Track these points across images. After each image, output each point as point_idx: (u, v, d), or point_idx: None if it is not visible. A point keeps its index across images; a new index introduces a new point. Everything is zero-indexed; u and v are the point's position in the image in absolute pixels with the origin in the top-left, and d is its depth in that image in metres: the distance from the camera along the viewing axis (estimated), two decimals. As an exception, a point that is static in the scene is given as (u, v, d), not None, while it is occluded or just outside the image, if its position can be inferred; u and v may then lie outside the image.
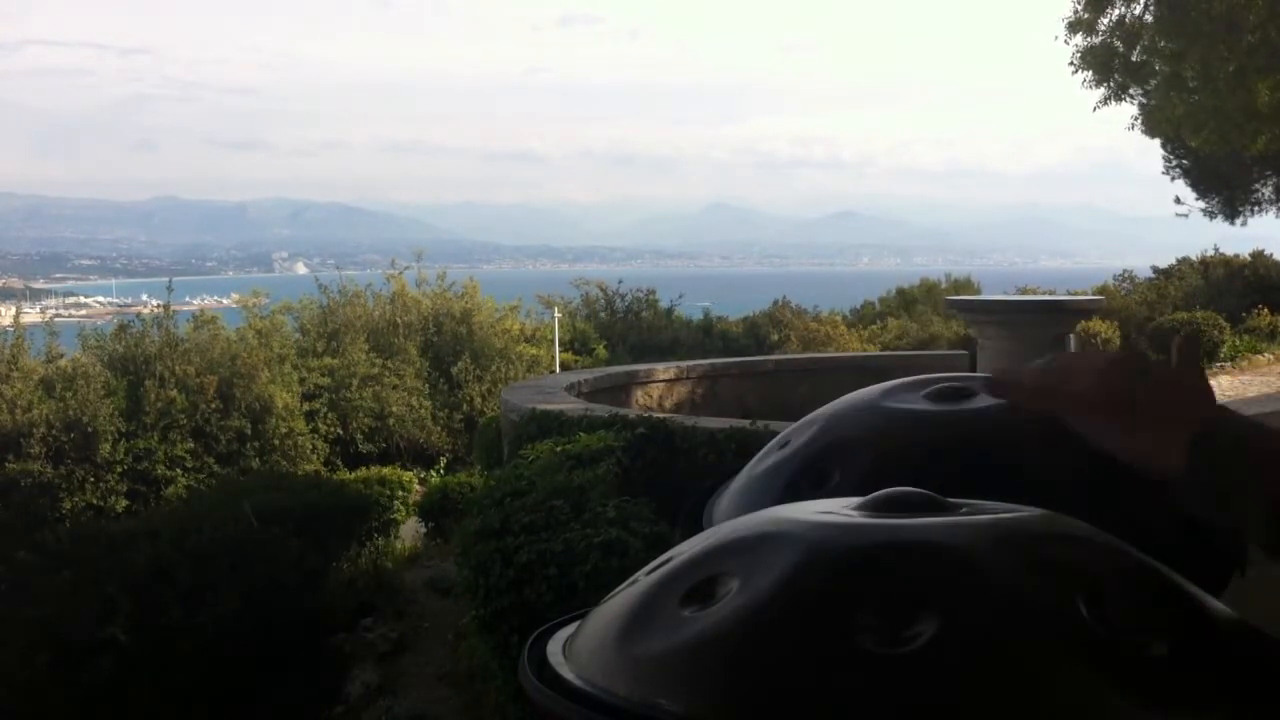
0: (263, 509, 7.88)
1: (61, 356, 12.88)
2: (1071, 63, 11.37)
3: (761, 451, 1.32)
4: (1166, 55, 10.65)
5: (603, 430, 6.44)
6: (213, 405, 12.26)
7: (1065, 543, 0.81)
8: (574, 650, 0.82)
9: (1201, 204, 19.52)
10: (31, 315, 18.06)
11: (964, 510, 0.84)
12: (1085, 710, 0.69)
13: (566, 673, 0.78)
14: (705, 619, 0.76)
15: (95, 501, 11.27)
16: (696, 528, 1.10)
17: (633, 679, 0.75)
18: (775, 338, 18.96)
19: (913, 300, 23.02)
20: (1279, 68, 9.97)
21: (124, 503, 11.37)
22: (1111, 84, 11.36)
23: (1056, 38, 11.31)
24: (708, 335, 19.58)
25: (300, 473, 11.97)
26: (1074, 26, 11.21)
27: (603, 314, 20.48)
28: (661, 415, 7.45)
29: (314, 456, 13.10)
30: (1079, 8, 11.15)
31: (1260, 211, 19.38)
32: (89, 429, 11.40)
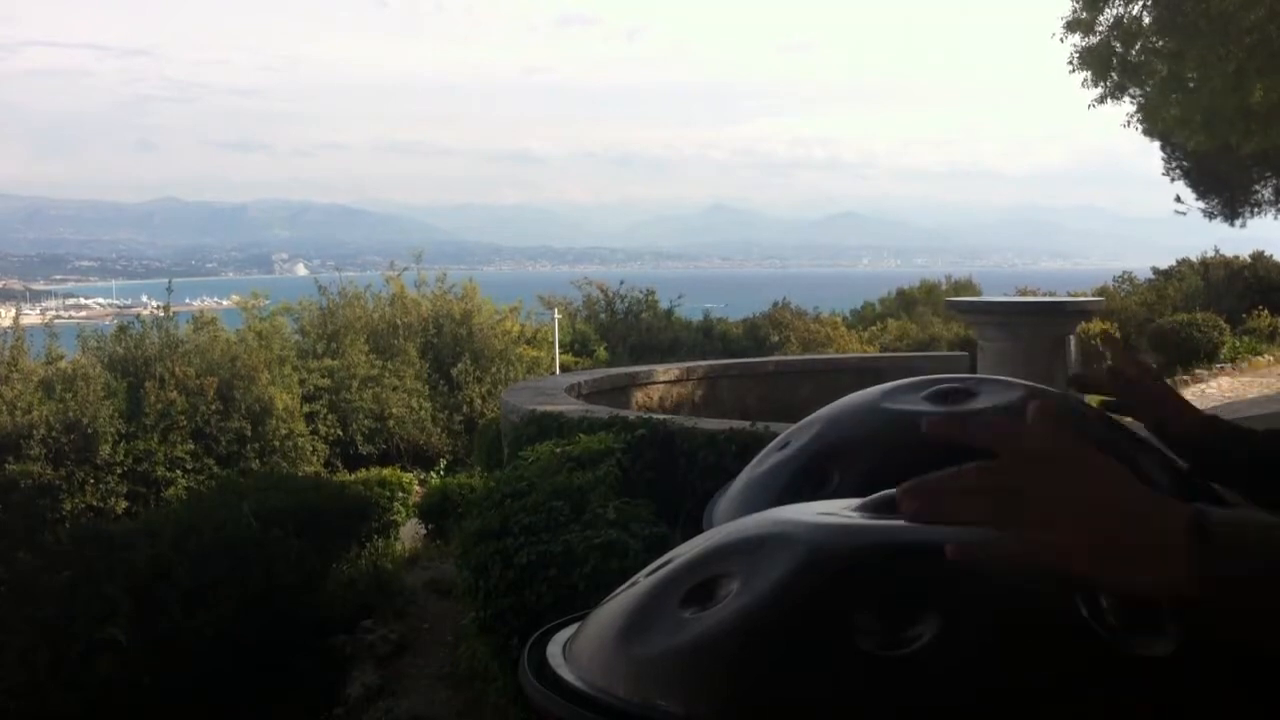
0: (262, 510, 7.88)
1: (61, 358, 12.86)
2: (1070, 62, 11.37)
3: (762, 453, 1.32)
4: (1164, 55, 10.65)
5: (603, 432, 6.44)
6: (213, 406, 12.25)
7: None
8: (574, 652, 0.82)
9: (1201, 205, 19.53)
10: (31, 317, 18.06)
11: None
12: (1085, 711, 0.69)
13: (566, 674, 0.79)
14: (705, 620, 0.76)
15: (95, 503, 11.26)
16: (696, 529, 1.10)
17: (632, 680, 0.75)
18: (775, 339, 18.96)
19: (913, 301, 23.03)
20: (1277, 68, 9.97)
21: (124, 504, 11.36)
22: (1108, 83, 11.36)
23: (1054, 36, 11.32)
24: (707, 336, 19.59)
25: (300, 474, 11.97)
26: (1072, 26, 11.21)
27: (603, 315, 20.47)
28: (662, 417, 7.45)
29: (314, 458, 13.10)
30: (1077, 7, 11.15)
31: (1260, 213, 19.39)
32: (89, 430, 11.40)
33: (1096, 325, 15.40)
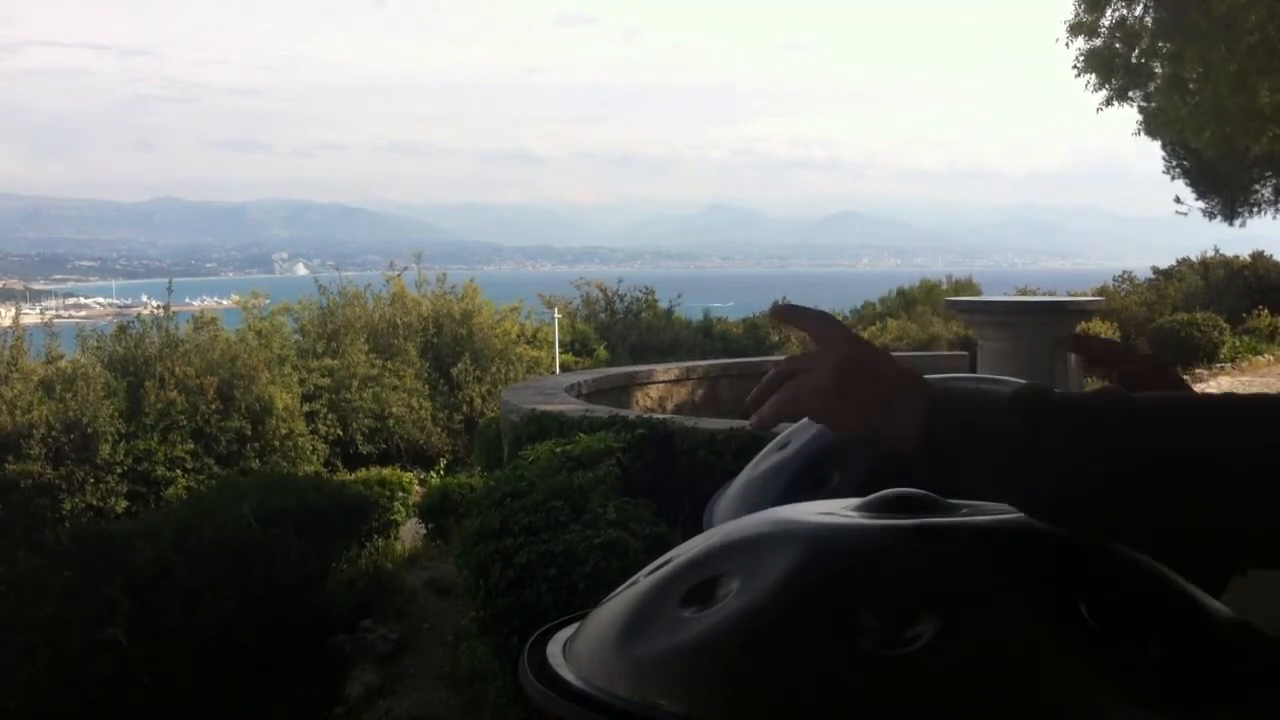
0: (263, 510, 7.88)
1: (61, 358, 12.85)
2: (1074, 65, 11.36)
3: (762, 452, 1.32)
4: (1166, 56, 10.64)
5: (603, 431, 6.44)
6: (213, 406, 12.25)
7: (1064, 543, 0.81)
8: (574, 651, 0.82)
9: (1201, 204, 19.53)
10: (31, 316, 18.03)
11: (963, 511, 0.84)
12: (1085, 711, 0.69)
13: (566, 674, 0.79)
14: (705, 620, 0.76)
15: (95, 502, 11.25)
16: (696, 529, 1.10)
17: (633, 680, 0.75)
18: (775, 338, 18.95)
19: (913, 301, 23.01)
20: (1278, 69, 9.97)
21: (124, 504, 11.35)
22: (1112, 85, 11.36)
23: (1058, 40, 11.31)
24: (708, 336, 19.57)
25: (300, 474, 11.96)
26: (1075, 29, 11.21)
27: (603, 315, 20.46)
28: (662, 416, 7.45)
29: (314, 457, 13.09)
30: (1080, 10, 11.15)
31: (1259, 212, 19.40)
32: (89, 430, 11.39)
33: (1097, 325, 15.41)
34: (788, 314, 0.95)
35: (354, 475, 10.28)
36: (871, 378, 0.86)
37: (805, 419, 1.32)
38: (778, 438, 1.32)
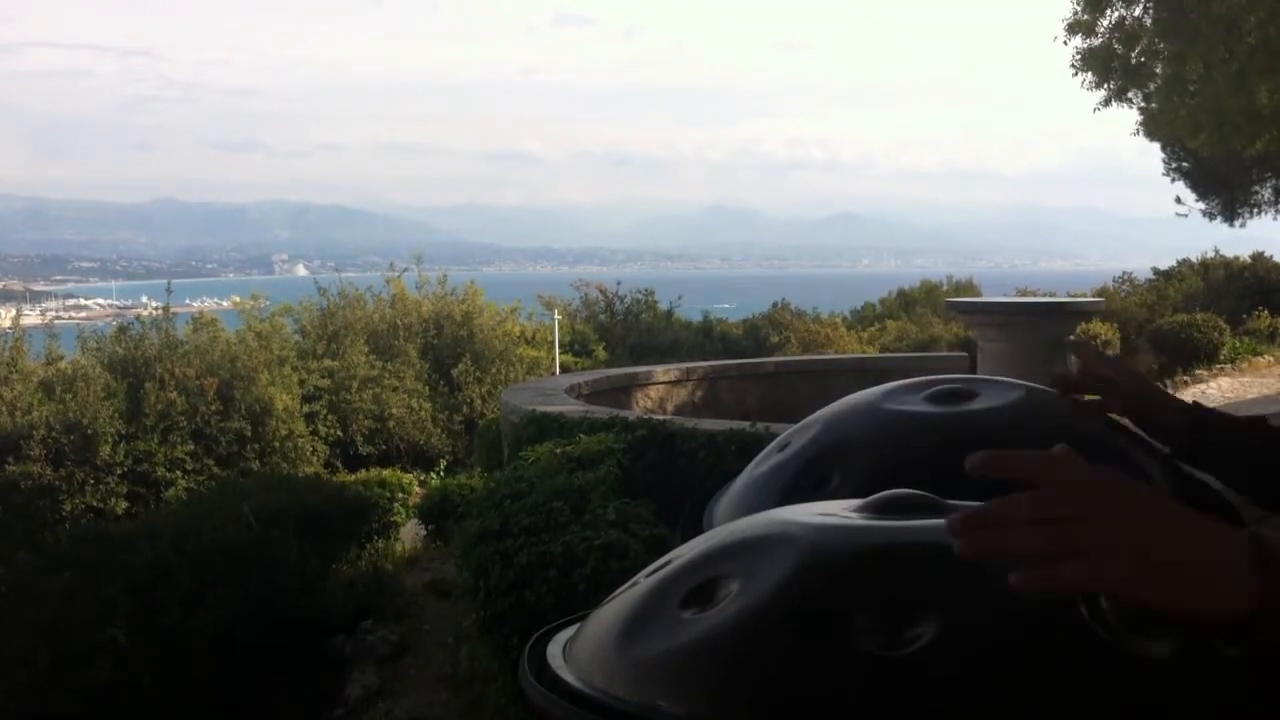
0: (262, 511, 7.87)
1: (61, 358, 12.86)
2: (1072, 65, 11.36)
3: (762, 454, 1.32)
4: (1166, 57, 10.64)
5: (603, 432, 6.44)
6: (213, 407, 12.25)
7: (1065, 545, 0.81)
8: (574, 652, 0.82)
9: (1201, 205, 19.53)
10: (31, 317, 18.05)
11: (963, 512, 0.84)
12: (1085, 712, 0.69)
13: (566, 675, 0.79)
14: (705, 621, 0.76)
15: (95, 503, 11.26)
16: (696, 530, 1.10)
17: (632, 681, 0.75)
18: (775, 339, 18.95)
19: (913, 302, 23.02)
20: (1279, 69, 9.97)
21: (124, 505, 11.35)
22: (1111, 86, 11.36)
23: (1055, 38, 11.31)
24: (708, 337, 19.57)
25: (300, 475, 11.96)
26: (1073, 28, 11.20)
27: (602, 316, 20.47)
28: (662, 417, 7.45)
29: (314, 458, 13.09)
30: (1078, 9, 11.14)
31: (1259, 213, 19.40)
32: (89, 431, 11.39)
33: (1097, 326, 15.41)
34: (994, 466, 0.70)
35: (354, 476, 10.27)
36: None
37: (804, 422, 1.32)
38: (778, 439, 1.32)
